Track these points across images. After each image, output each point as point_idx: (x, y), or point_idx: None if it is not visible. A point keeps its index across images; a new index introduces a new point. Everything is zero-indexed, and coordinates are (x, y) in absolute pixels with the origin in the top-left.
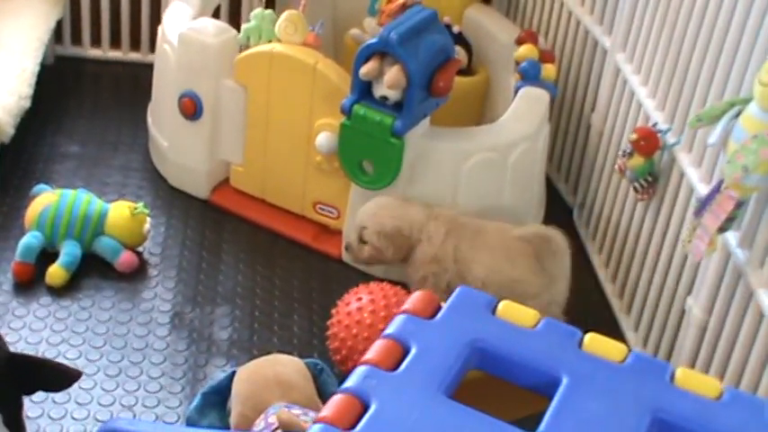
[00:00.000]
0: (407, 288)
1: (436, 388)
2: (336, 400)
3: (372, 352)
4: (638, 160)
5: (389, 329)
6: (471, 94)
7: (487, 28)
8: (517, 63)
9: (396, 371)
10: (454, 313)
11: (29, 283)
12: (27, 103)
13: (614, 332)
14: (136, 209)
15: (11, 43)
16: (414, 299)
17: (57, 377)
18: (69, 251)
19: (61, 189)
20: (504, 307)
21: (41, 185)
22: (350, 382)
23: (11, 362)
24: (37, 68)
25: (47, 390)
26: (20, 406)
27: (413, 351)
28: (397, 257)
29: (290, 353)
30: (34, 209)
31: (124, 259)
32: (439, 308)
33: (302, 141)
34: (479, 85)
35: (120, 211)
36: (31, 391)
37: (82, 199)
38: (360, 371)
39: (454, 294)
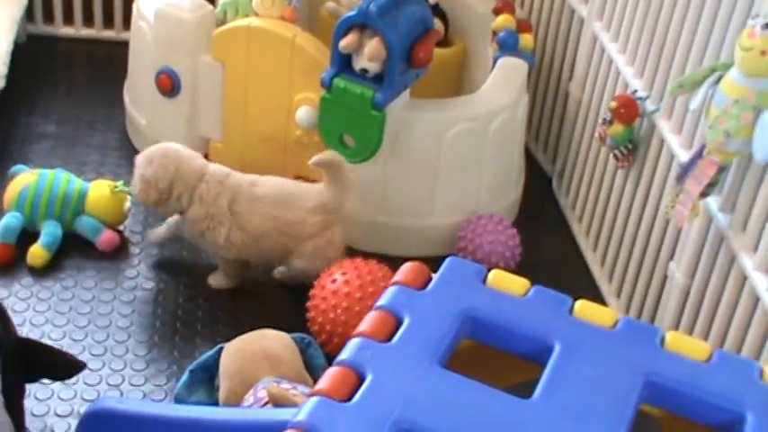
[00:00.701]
0: (387, 266)
1: (430, 358)
2: (332, 372)
3: (366, 324)
4: (617, 128)
5: (382, 301)
6: (448, 65)
7: None
8: (494, 33)
9: (390, 342)
10: (445, 283)
11: (9, 264)
12: (1, 83)
13: (596, 299)
14: (116, 187)
15: None
16: (404, 270)
17: (62, 366)
18: (50, 231)
19: (39, 169)
20: (495, 276)
21: (19, 166)
22: (344, 355)
23: (20, 346)
24: (11, 47)
25: (50, 378)
26: (22, 391)
27: (406, 322)
28: (162, 207)
29: (275, 328)
30: (13, 189)
31: (105, 238)
32: (429, 278)
33: (282, 115)
34: (456, 56)
35: (99, 190)
36: (34, 379)
37: (61, 178)
38: (354, 343)
39: (444, 265)
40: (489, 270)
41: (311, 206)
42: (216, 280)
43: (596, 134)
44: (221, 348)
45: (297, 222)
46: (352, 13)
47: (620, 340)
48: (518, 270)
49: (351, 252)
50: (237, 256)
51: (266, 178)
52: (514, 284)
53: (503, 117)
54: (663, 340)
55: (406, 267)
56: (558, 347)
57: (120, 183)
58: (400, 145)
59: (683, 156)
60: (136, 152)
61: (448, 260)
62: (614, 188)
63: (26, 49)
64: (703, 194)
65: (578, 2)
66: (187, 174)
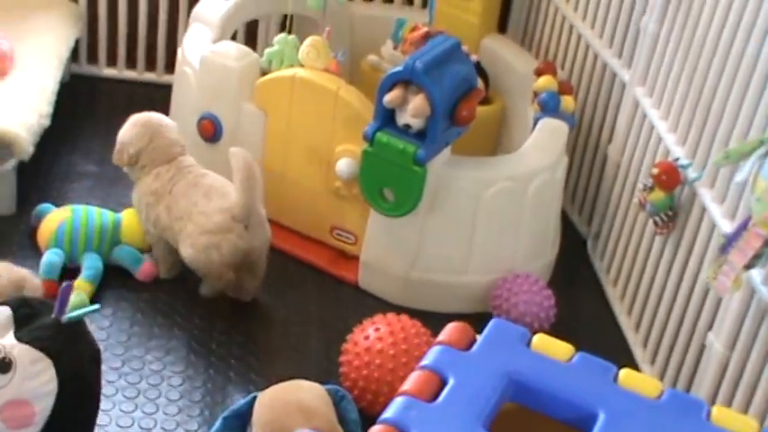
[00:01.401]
0: (415, 319)
1: (475, 420)
2: (377, 430)
3: (410, 383)
4: (658, 194)
5: (426, 360)
6: (487, 124)
7: (505, 58)
8: (535, 94)
9: (435, 402)
10: (490, 345)
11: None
12: (46, 122)
13: (630, 365)
14: None
15: (31, 61)
16: (448, 330)
17: None
18: (91, 264)
19: (69, 205)
20: (539, 340)
21: (45, 205)
22: (389, 413)
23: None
24: (56, 87)
25: None
26: None
27: (450, 382)
28: (131, 173)
29: (307, 378)
30: (47, 227)
31: (144, 269)
32: (474, 339)
33: (322, 166)
34: (496, 115)
35: (132, 218)
36: None
37: (93, 211)
38: (399, 401)
39: (489, 326)
40: (533, 333)
41: (225, 206)
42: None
43: (636, 199)
44: (254, 397)
45: (205, 214)
46: (397, 68)
47: (665, 412)
48: (551, 331)
49: (384, 306)
50: (158, 236)
51: (215, 176)
52: (559, 349)
53: (542, 178)
54: (709, 415)
55: (450, 327)
56: (602, 416)
57: None
58: (439, 201)
59: (725, 225)
60: None
61: (492, 322)
62: (652, 254)
63: (69, 88)
64: (748, 266)
65: (620, 66)
66: (158, 149)
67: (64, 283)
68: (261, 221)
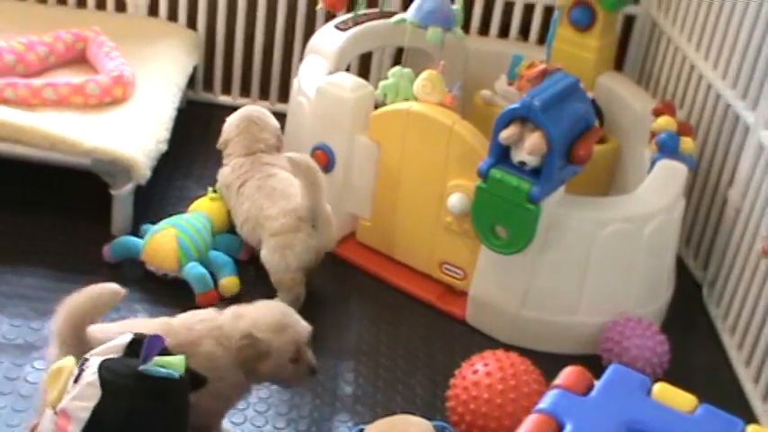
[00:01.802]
0: (528, 359)
1: None
2: None
3: (526, 427)
4: None
5: (543, 404)
6: (601, 162)
7: (621, 96)
8: (653, 134)
9: None
10: (609, 391)
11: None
12: (164, 147)
13: (748, 418)
14: (213, 191)
15: (150, 88)
16: (566, 374)
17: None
18: (223, 260)
19: (163, 222)
20: (660, 389)
21: (147, 225)
22: None
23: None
24: (174, 113)
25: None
26: None
27: (568, 428)
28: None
29: (412, 412)
30: (166, 248)
31: (246, 249)
32: (591, 384)
33: (433, 201)
34: (610, 154)
35: (205, 204)
36: None
37: (183, 218)
38: None
39: (608, 372)
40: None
41: (289, 208)
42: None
43: (759, 246)
44: (361, 430)
45: (271, 218)
46: (515, 105)
47: None
48: (663, 378)
49: (492, 343)
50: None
51: (281, 177)
52: (681, 400)
53: (659, 220)
54: None
55: (568, 371)
56: None
57: (216, 186)
58: (551, 240)
59: None
60: None
61: (611, 368)
62: None
63: (185, 115)
64: None
65: (744, 108)
66: (242, 141)
67: (154, 335)
68: (327, 220)
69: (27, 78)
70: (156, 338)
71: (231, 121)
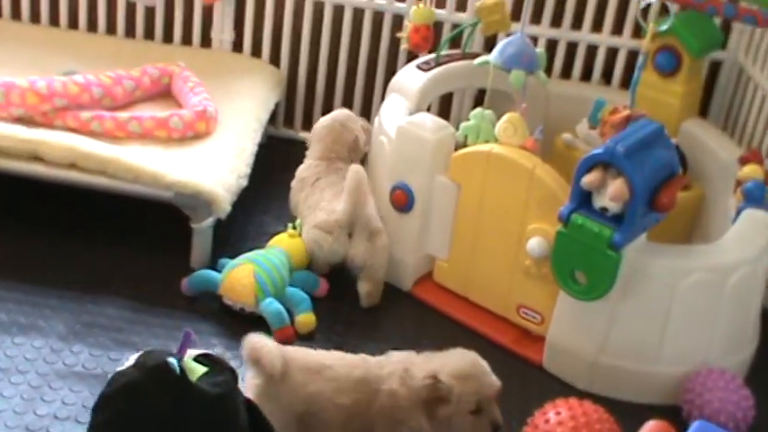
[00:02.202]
0: (600, 405)
1: None
2: None
3: None
4: None
5: None
6: (684, 210)
7: (705, 143)
8: (739, 183)
9: None
10: None
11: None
12: (244, 182)
13: None
14: (293, 227)
15: (233, 123)
16: (649, 428)
17: None
18: (300, 296)
19: (241, 257)
20: None
21: (225, 259)
22: None
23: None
24: (255, 149)
25: None
26: None
27: None
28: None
29: None
30: (244, 283)
31: (322, 286)
32: None
33: (512, 243)
34: (693, 201)
35: (291, 244)
36: None
37: (261, 254)
38: None
39: (693, 427)
40: None
41: (337, 209)
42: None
43: None
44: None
45: (324, 210)
46: (598, 150)
47: None
48: None
49: (569, 390)
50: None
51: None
52: None
53: (743, 271)
54: None
55: (651, 425)
56: None
57: (290, 225)
58: (632, 287)
59: None
60: None
61: (696, 424)
62: None
63: (265, 150)
64: None
65: None
66: (320, 144)
67: (186, 330)
68: (370, 235)
69: (113, 111)
70: (188, 333)
71: (318, 124)
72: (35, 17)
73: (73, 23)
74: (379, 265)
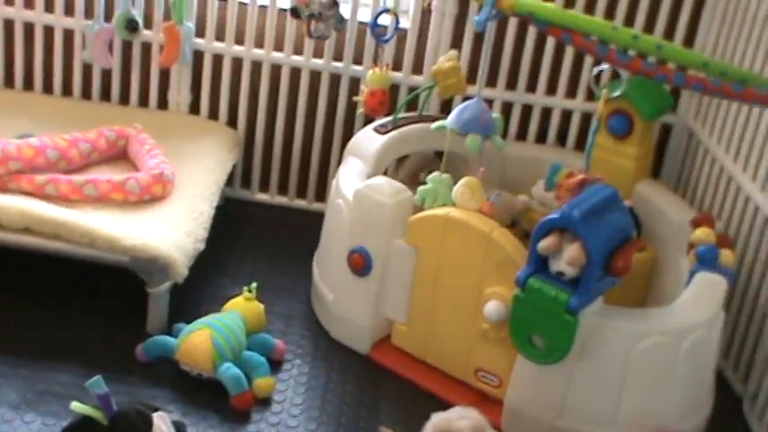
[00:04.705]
0: None
1: None
2: None
3: None
4: None
5: None
6: (638, 272)
7: (659, 205)
8: (692, 245)
9: None
10: None
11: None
12: (202, 246)
13: None
14: (249, 291)
15: (190, 186)
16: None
17: None
18: (257, 360)
19: (196, 323)
20: None
21: (180, 324)
22: None
23: None
24: (212, 212)
25: None
26: None
27: None
28: None
29: None
30: (205, 346)
31: (279, 348)
32: None
33: (470, 307)
34: (647, 263)
35: (244, 307)
36: None
37: (217, 317)
38: None
39: None
40: None
41: None
42: None
43: None
44: None
45: None
46: (554, 215)
47: None
48: None
49: None
50: None
51: None
52: None
53: (698, 334)
54: None
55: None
56: None
57: (251, 286)
58: (589, 350)
59: None
60: (319, 325)
61: None
62: None
63: (221, 211)
64: None
65: None
66: None
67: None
68: None
69: (69, 174)
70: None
71: None
72: None
73: (28, 85)
74: None
